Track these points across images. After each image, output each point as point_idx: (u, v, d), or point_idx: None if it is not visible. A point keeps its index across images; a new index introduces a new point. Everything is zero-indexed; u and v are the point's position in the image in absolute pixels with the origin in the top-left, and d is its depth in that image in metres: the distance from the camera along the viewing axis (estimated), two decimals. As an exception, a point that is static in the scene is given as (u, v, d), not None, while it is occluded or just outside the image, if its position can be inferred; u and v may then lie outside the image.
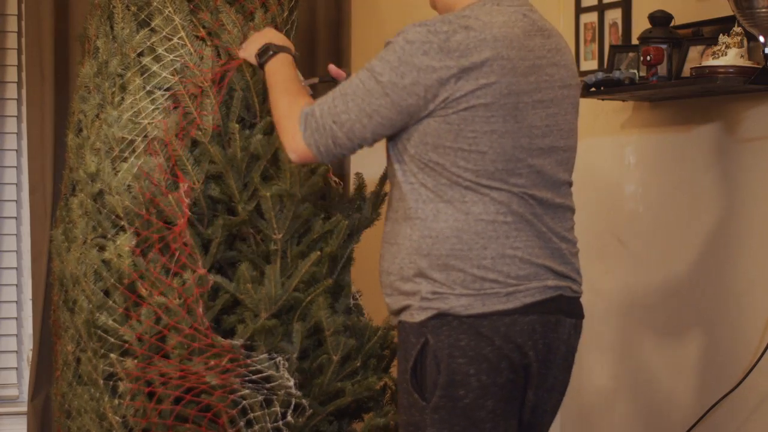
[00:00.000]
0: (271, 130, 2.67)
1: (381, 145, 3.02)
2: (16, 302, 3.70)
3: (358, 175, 3.04)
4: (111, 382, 2.59)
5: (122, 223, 2.63)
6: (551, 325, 2.37)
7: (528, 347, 2.32)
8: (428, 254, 2.26)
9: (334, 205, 2.82)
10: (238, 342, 2.53)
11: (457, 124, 2.25)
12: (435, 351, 2.26)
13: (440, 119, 2.26)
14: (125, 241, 2.59)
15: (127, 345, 2.57)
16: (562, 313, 2.39)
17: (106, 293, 2.64)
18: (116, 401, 2.56)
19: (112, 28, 2.84)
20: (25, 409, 3.56)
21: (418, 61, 2.21)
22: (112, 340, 2.56)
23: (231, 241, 2.70)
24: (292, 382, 2.51)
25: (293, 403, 2.51)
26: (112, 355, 2.56)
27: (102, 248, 2.67)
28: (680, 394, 3.43)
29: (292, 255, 2.64)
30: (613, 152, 3.72)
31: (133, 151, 2.68)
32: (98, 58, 2.90)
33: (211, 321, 2.61)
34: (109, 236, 2.66)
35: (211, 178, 2.68)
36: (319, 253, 2.64)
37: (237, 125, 2.65)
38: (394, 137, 2.34)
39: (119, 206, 2.58)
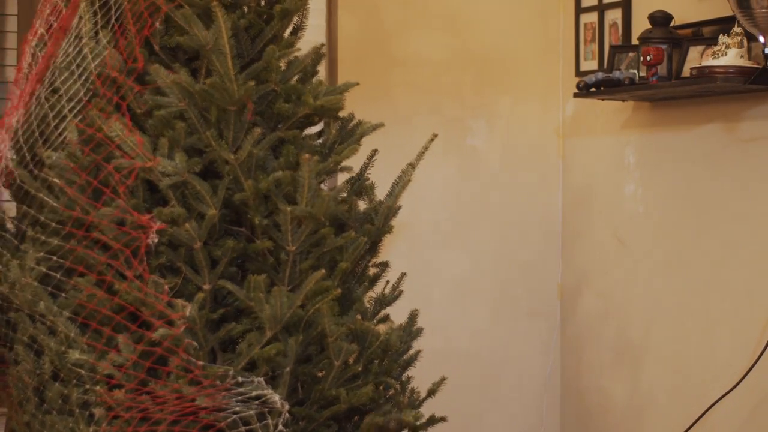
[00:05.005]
0: (293, 165, 2.65)
1: (389, 154, 3.03)
2: (16, 302, 3.69)
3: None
4: (87, 412, 2.55)
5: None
6: None
7: None
8: None
9: (346, 217, 2.80)
10: (229, 370, 2.49)
11: None
12: None
13: None
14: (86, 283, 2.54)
15: (98, 376, 2.52)
16: None
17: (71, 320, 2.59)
18: (91, 429, 2.53)
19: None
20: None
21: None
22: (84, 372, 2.51)
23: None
24: (277, 397, 2.50)
25: (284, 415, 2.49)
26: (97, 388, 2.52)
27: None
28: (680, 394, 3.43)
29: (302, 267, 2.63)
30: (613, 152, 3.72)
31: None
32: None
33: (213, 330, 2.59)
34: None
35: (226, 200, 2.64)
36: (323, 271, 2.62)
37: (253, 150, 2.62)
38: None
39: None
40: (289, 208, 2.56)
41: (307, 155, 2.59)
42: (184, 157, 2.58)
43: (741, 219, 3.20)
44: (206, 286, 2.58)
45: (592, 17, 3.76)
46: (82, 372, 2.52)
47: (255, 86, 2.64)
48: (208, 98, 2.59)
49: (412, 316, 2.96)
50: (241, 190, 2.61)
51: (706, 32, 3.24)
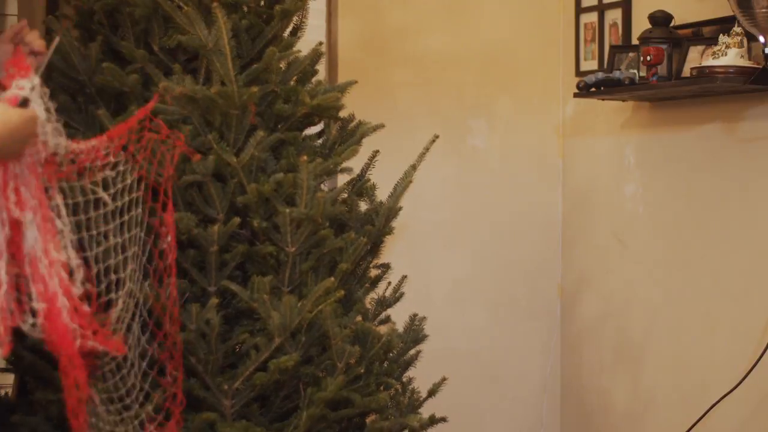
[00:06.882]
0: (294, 166, 2.64)
1: (388, 153, 3.03)
2: (17, 303, 3.69)
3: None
4: None
5: None
6: None
7: None
8: None
9: (346, 218, 2.79)
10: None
11: None
12: None
13: None
14: None
15: None
16: None
17: None
18: None
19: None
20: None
21: None
22: None
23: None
24: None
25: None
26: None
27: None
28: (681, 394, 3.43)
29: (302, 269, 2.63)
30: (613, 152, 3.72)
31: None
32: None
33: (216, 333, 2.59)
34: None
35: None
36: (333, 279, 2.61)
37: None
38: None
39: None
40: (287, 210, 2.56)
41: (304, 157, 2.59)
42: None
43: (741, 219, 3.20)
44: (211, 288, 2.59)
45: (592, 17, 3.76)
46: None
47: (257, 90, 2.64)
48: (211, 103, 2.59)
49: (417, 322, 2.96)
50: (243, 193, 2.61)
51: (706, 32, 3.24)
